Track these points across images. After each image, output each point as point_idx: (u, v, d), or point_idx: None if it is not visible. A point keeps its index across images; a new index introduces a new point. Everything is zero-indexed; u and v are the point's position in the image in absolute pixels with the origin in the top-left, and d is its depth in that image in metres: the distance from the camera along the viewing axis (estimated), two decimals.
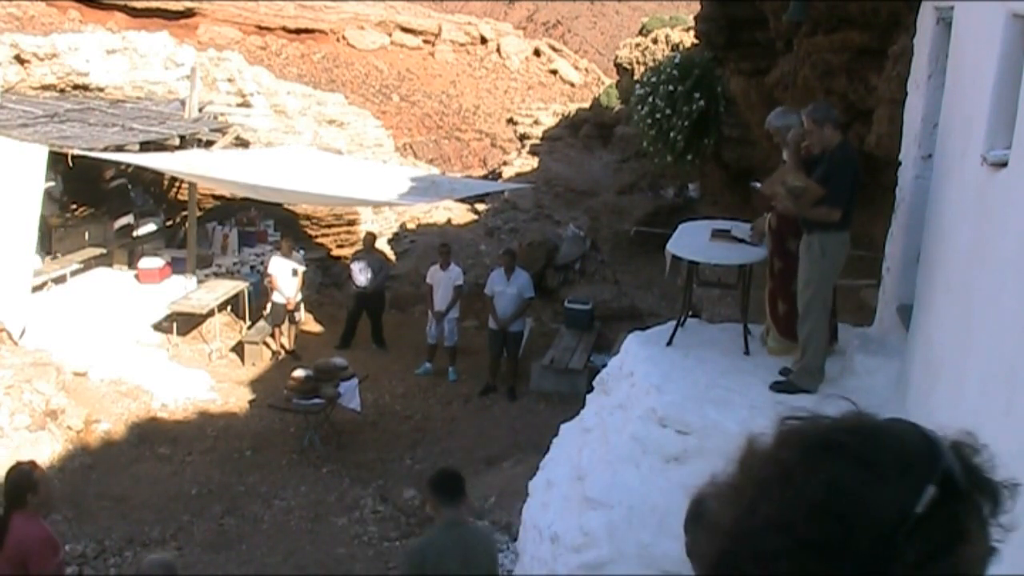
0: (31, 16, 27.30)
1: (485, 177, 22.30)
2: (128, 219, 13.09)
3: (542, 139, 20.94)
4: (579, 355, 11.03)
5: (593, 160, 17.78)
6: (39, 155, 10.05)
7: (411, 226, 17.64)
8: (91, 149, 10.37)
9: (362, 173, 12.92)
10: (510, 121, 24.90)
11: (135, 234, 13.10)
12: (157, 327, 11.69)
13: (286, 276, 11.74)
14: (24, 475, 4.59)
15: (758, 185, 5.78)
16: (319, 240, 15.20)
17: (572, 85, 34.41)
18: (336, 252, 15.32)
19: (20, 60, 13.54)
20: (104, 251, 12.47)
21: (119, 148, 10.97)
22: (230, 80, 14.48)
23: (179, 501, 8.03)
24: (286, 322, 11.84)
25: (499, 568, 4.35)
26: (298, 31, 32.69)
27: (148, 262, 12.30)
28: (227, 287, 12.43)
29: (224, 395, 10.48)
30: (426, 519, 7.66)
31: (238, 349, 11.77)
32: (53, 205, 11.98)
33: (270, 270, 11.89)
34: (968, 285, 3.94)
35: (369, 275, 12.01)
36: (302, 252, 12.87)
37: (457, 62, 34.83)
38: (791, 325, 5.68)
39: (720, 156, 12.23)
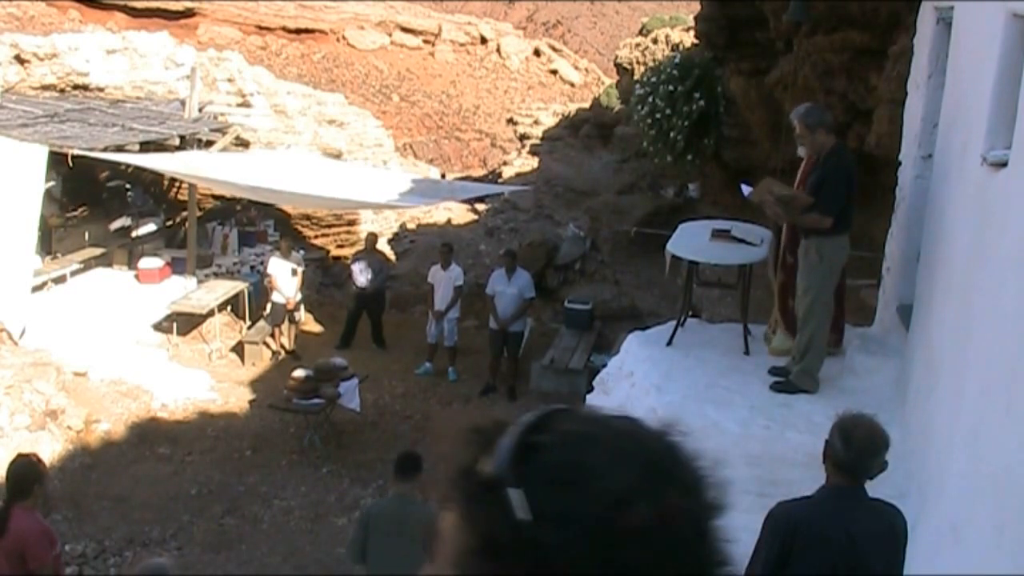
0: (31, 16, 27.29)
1: (485, 177, 22.28)
2: (124, 220, 13.09)
3: (542, 139, 20.91)
4: (579, 355, 11.02)
5: (593, 160, 17.76)
6: (39, 155, 10.05)
7: (411, 226, 17.63)
8: (91, 149, 10.37)
9: (362, 177, 12.93)
10: (510, 121, 24.88)
11: (134, 235, 13.11)
12: (157, 327, 11.68)
13: (286, 276, 11.74)
14: (31, 466, 4.61)
15: (747, 190, 5.77)
16: (319, 240, 15.20)
17: (572, 85, 34.39)
18: (336, 252, 15.32)
19: (20, 60, 13.54)
20: (104, 251, 12.47)
21: (119, 148, 10.97)
22: (230, 80, 14.48)
23: (179, 501, 8.03)
24: (286, 322, 11.84)
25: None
26: (298, 31, 32.67)
27: (148, 262, 12.30)
28: (227, 287, 12.42)
29: (224, 395, 10.48)
30: None
31: (238, 349, 11.77)
32: (53, 205, 11.98)
33: (269, 270, 11.89)
34: (968, 285, 3.94)
35: (369, 275, 12.01)
36: (301, 252, 12.86)
37: (457, 62, 34.82)
38: (795, 322, 5.69)
39: (720, 156, 12.22)
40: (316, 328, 12.95)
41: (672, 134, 11.83)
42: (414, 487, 5.17)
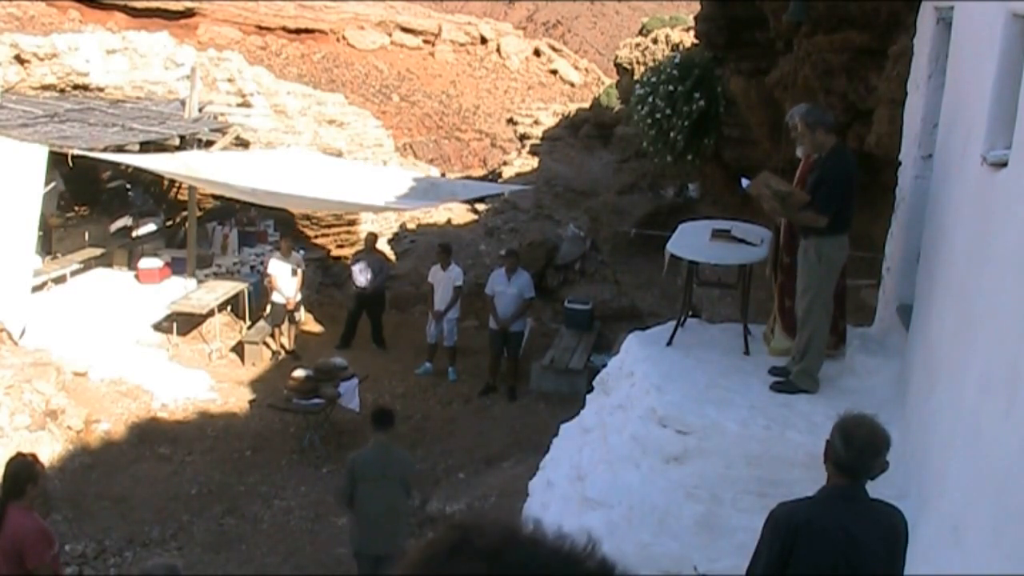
0: (31, 16, 27.29)
1: (485, 177, 22.28)
2: (125, 221, 13.09)
3: (542, 139, 20.91)
4: (579, 355, 11.02)
5: (593, 160, 17.76)
6: (39, 155, 10.05)
7: (411, 226, 17.63)
8: (91, 149, 10.37)
9: (362, 176, 12.91)
10: (510, 121, 24.88)
11: (134, 235, 13.11)
12: (157, 327, 11.68)
13: (286, 276, 11.74)
14: (26, 466, 4.60)
15: (746, 183, 5.77)
16: (319, 240, 15.20)
17: (572, 85, 34.39)
18: (336, 252, 15.32)
19: (20, 60, 13.53)
20: (104, 251, 12.47)
21: (119, 148, 10.97)
22: (230, 80, 14.48)
23: (179, 501, 8.03)
24: (286, 322, 11.84)
25: (412, 477, 6.35)
26: (298, 31, 32.68)
27: (148, 262, 12.30)
28: (227, 287, 12.42)
29: (224, 395, 10.47)
30: (425, 519, 7.66)
31: (238, 349, 11.77)
32: (53, 205, 11.98)
33: (270, 270, 11.88)
34: (968, 285, 3.94)
35: (369, 275, 12.00)
36: (302, 252, 12.86)
37: (457, 62, 34.82)
38: (794, 322, 5.69)
39: (720, 156, 12.21)
40: (316, 328, 12.95)
41: (672, 134, 11.82)
42: (390, 436, 6.32)
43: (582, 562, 0.93)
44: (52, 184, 11.33)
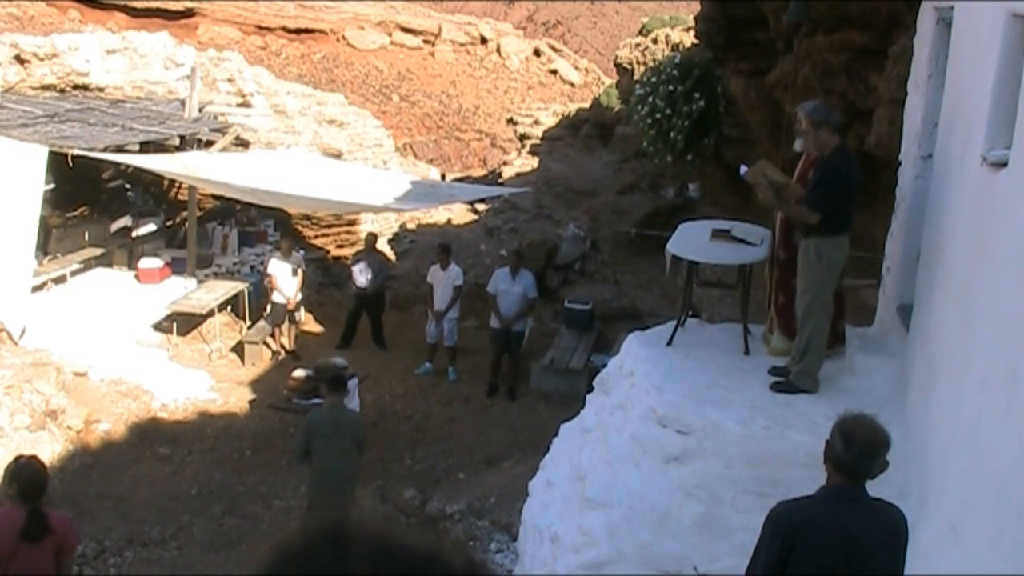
0: (31, 16, 27.31)
1: (485, 177, 22.29)
2: (126, 220, 13.09)
3: (542, 139, 20.92)
4: (579, 355, 11.01)
5: (593, 160, 17.77)
6: (39, 155, 10.05)
7: (411, 226, 17.64)
8: (91, 149, 10.37)
9: (362, 178, 12.92)
10: (510, 121, 24.89)
11: (134, 235, 13.11)
12: (157, 327, 11.68)
13: (286, 276, 11.73)
14: (43, 465, 4.62)
15: (744, 169, 5.76)
16: (319, 240, 15.20)
17: (572, 85, 34.41)
18: (336, 252, 15.33)
19: (20, 60, 13.54)
20: (104, 251, 12.47)
21: (119, 148, 10.96)
22: (230, 80, 14.49)
23: (179, 501, 8.02)
24: (286, 322, 11.83)
25: (361, 435, 6.87)
26: (298, 31, 32.71)
27: (148, 262, 12.29)
28: (227, 287, 12.42)
29: (224, 395, 10.47)
30: (426, 518, 7.67)
31: (238, 349, 11.76)
32: (52, 205, 11.99)
33: (270, 270, 11.88)
34: (968, 285, 3.94)
35: (369, 276, 12.00)
36: (302, 252, 12.86)
37: (457, 62, 34.83)
38: (788, 318, 5.69)
39: (720, 156, 12.22)
40: (316, 328, 12.95)
41: (672, 134, 11.83)
42: (342, 398, 7.00)
43: (446, 563, 0.89)
44: (50, 185, 11.33)
